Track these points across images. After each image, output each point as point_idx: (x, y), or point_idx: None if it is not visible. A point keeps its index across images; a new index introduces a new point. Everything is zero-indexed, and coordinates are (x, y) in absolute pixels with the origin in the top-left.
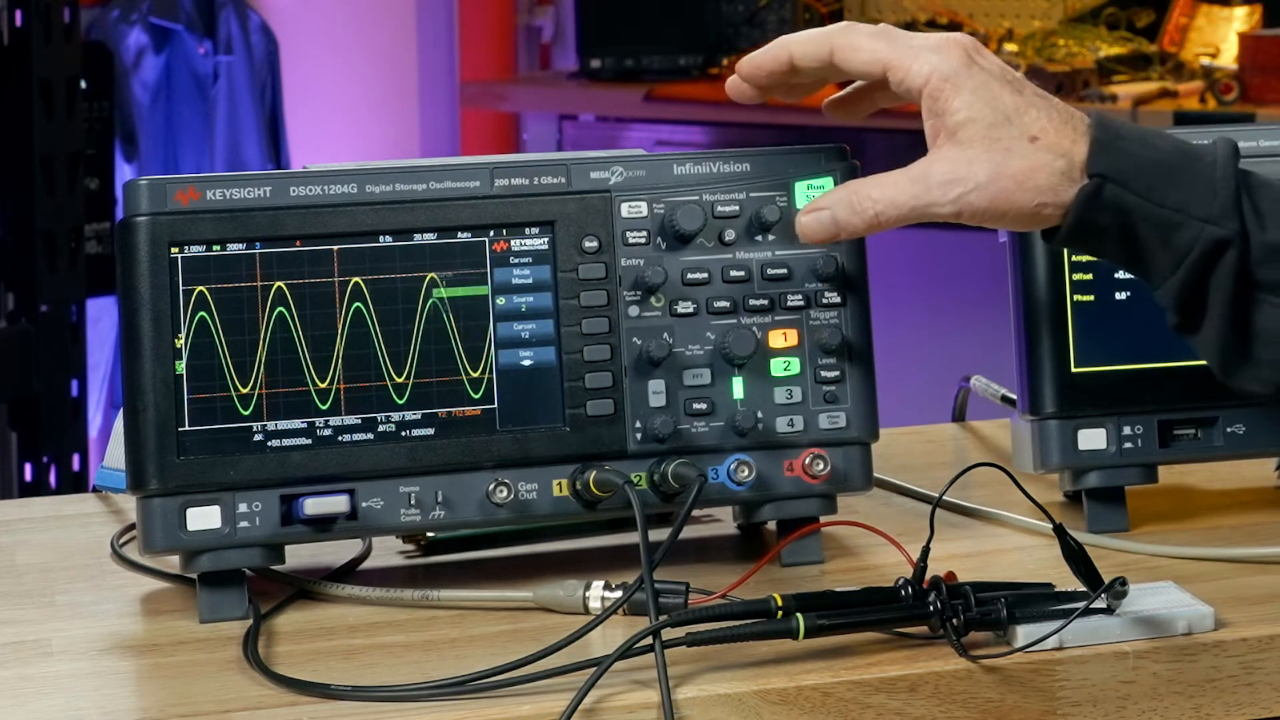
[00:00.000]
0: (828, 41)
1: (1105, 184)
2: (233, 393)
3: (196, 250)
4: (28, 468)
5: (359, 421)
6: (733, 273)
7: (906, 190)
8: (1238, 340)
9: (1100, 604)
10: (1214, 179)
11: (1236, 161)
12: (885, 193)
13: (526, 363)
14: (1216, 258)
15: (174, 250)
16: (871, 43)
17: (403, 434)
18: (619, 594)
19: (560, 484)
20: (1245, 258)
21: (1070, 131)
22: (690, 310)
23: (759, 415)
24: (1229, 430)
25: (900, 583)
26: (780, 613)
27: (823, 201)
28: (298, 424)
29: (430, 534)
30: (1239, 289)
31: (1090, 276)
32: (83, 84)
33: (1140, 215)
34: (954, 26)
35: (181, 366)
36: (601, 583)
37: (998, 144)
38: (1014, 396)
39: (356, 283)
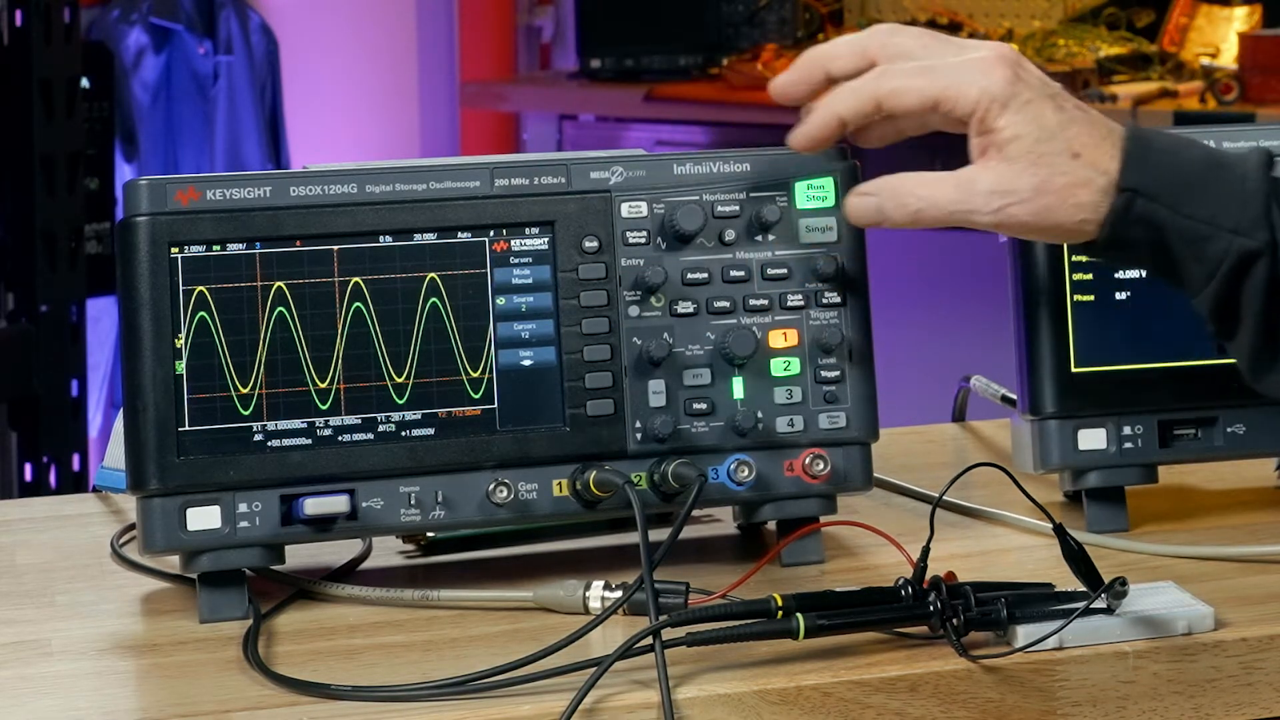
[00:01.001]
0: (872, 97)
1: (1136, 198)
2: (233, 393)
3: (196, 250)
4: (28, 468)
5: (359, 421)
6: (733, 273)
7: (950, 194)
8: (1268, 346)
9: (1100, 604)
10: (1244, 190)
11: (1269, 171)
12: (930, 192)
13: (526, 363)
14: (1247, 268)
15: (174, 250)
16: (915, 82)
17: (403, 434)
18: (619, 594)
19: (560, 484)
20: (1276, 267)
21: (1109, 146)
22: (690, 310)
23: (759, 415)
24: (1229, 430)
25: (900, 583)
26: (780, 613)
27: (870, 187)
28: (298, 424)
29: (430, 534)
30: (1270, 298)
31: (1090, 276)
32: (85, 83)
33: (1171, 228)
34: (954, 27)
35: (181, 366)
36: (601, 583)
37: (1043, 159)
38: (1014, 396)
39: (356, 283)
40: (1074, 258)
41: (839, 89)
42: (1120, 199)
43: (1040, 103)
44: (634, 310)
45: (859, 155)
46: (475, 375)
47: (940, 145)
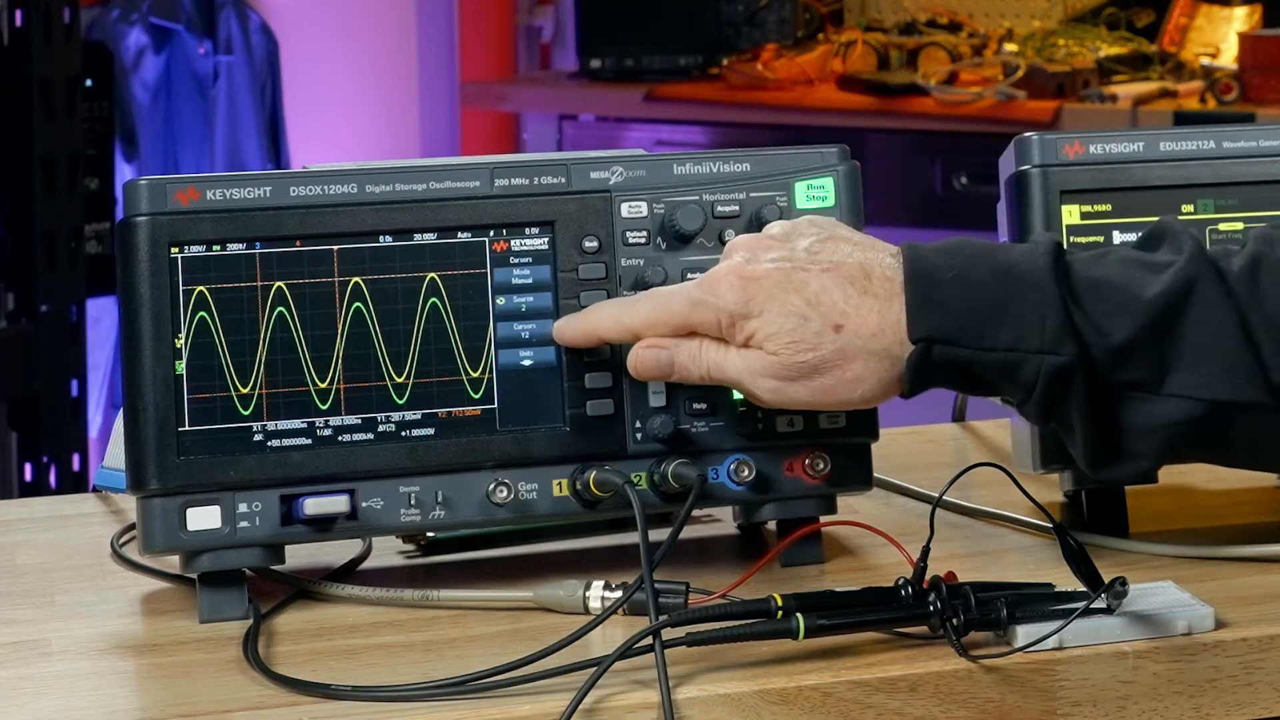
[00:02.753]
0: (628, 332)
1: (933, 346)
2: (233, 393)
3: (196, 250)
4: (28, 468)
5: (359, 421)
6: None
7: (738, 369)
8: (1105, 441)
9: (1100, 604)
10: (1041, 302)
11: (1059, 268)
12: (721, 360)
13: (527, 363)
14: (1064, 382)
15: (174, 250)
16: (660, 314)
17: (403, 434)
18: (619, 594)
19: (560, 484)
20: (1093, 370)
21: (880, 300)
22: None
23: (759, 415)
24: None
25: (900, 583)
26: (780, 613)
27: (666, 341)
28: (298, 424)
29: (430, 534)
30: (1095, 399)
31: None
32: (88, 82)
33: (977, 364)
34: (954, 26)
35: (181, 366)
36: (601, 583)
37: (802, 346)
38: None
39: (356, 283)
40: None
41: (603, 309)
42: (916, 351)
43: (783, 294)
44: None
45: (859, 156)
46: (475, 375)
47: (942, 147)
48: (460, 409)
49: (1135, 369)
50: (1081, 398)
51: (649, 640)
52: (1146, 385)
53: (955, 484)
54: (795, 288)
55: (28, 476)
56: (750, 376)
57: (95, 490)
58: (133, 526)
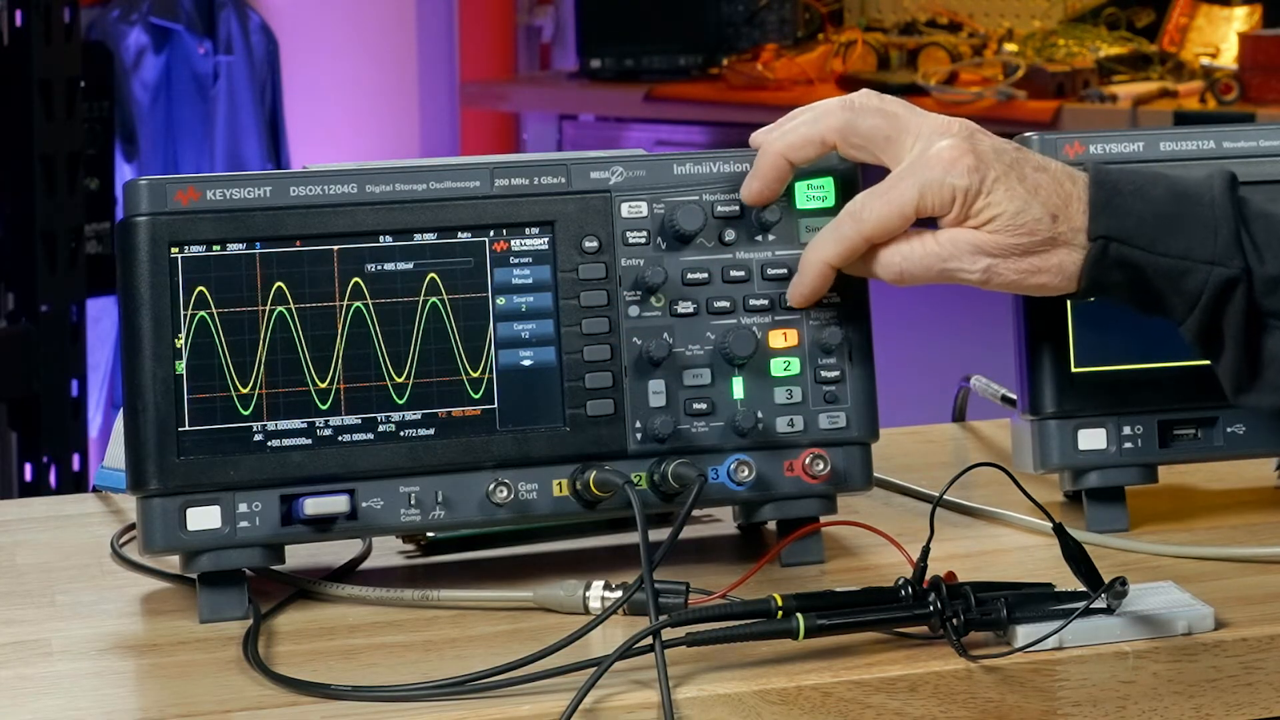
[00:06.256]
0: (859, 237)
1: (1110, 244)
2: (233, 393)
3: (196, 250)
4: (28, 468)
5: (359, 421)
6: (733, 273)
7: (935, 250)
8: (1248, 366)
9: (1100, 604)
10: (1213, 219)
11: (1234, 194)
12: (913, 249)
13: (526, 363)
14: (1227, 295)
15: (174, 250)
16: (891, 207)
17: (403, 434)
18: (619, 594)
19: (560, 484)
20: (1252, 291)
21: (1076, 200)
22: (690, 310)
23: (759, 415)
24: (1229, 430)
25: (900, 583)
26: (780, 613)
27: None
28: (298, 424)
29: (430, 534)
30: (1248, 320)
31: None
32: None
33: (1149, 268)
34: (954, 26)
35: (181, 366)
36: (601, 583)
37: (1023, 227)
38: (1014, 396)
39: (356, 283)
40: None
41: (821, 238)
42: (1095, 247)
43: (1007, 177)
44: (634, 310)
45: None
46: (475, 375)
47: None
48: (460, 409)
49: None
50: (1239, 314)
51: (649, 640)
52: None
53: (955, 484)
54: (1019, 175)
55: (28, 476)
56: (968, 255)
57: (95, 490)
58: (133, 526)
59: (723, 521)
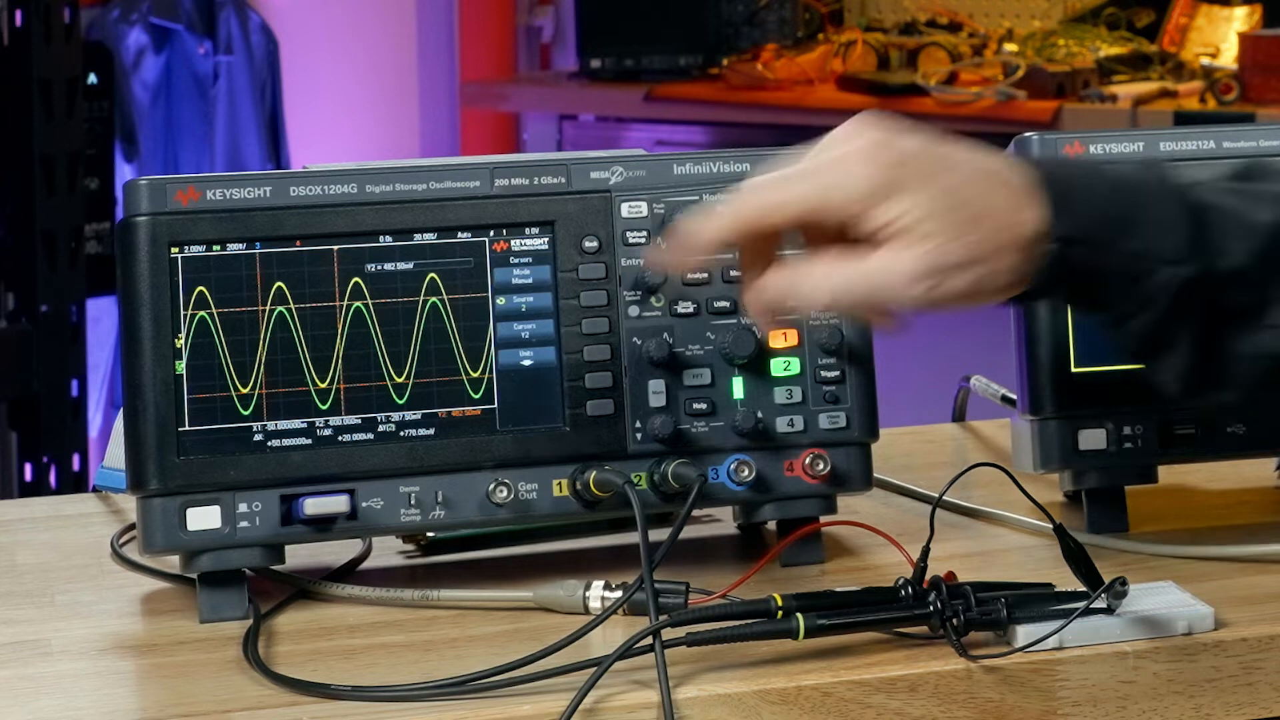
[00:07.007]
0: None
1: (1070, 246)
2: (233, 393)
3: (196, 250)
4: (28, 468)
5: (359, 421)
6: (733, 273)
7: (866, 280)
8: (1208, 364)
9: (1100, 604)
10: (1167, 215)
11: (1177, 184)
12: (844, 278)
13: (526, 363)
14: (1189, 295)
15: (174, 250)
16: (786, 192)
17: (403, 434)
18: (619, 594)
19: (560, 484)
20: (1211, 289)
21: (1018, 194)
22: (690, 310)
23: (759, 415)
24: (1229, 430)
25: (900, 583)
26: (780, 613)
27: (773, 289)
28: (298, 424)
29: (430, 534)
30: (1209, 319)
31: None
32: (92, 79)
33: (1107, 267)
34: (954, 26)
35: (181, 366)
36: (601, 583)
37: (962, 226)
38: (1014, 396)
39: (356, 283)
40: None
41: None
42: (1053, 249)
43: (928, 177)
44: (634, 310)
45: None
46: (475, 375)
47: None
48: (460, 409)
49: (1244, 293)
50: (1200, 313)
51: (649, 640)
52: (1252, 312)
53: (955, 484)
54: (945, 165)
55: (28, 476)
56: (889, 280)
57: (95, 490)
58: (133, 526)
59: (723, 521)
